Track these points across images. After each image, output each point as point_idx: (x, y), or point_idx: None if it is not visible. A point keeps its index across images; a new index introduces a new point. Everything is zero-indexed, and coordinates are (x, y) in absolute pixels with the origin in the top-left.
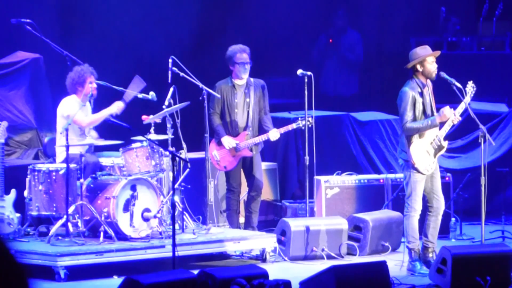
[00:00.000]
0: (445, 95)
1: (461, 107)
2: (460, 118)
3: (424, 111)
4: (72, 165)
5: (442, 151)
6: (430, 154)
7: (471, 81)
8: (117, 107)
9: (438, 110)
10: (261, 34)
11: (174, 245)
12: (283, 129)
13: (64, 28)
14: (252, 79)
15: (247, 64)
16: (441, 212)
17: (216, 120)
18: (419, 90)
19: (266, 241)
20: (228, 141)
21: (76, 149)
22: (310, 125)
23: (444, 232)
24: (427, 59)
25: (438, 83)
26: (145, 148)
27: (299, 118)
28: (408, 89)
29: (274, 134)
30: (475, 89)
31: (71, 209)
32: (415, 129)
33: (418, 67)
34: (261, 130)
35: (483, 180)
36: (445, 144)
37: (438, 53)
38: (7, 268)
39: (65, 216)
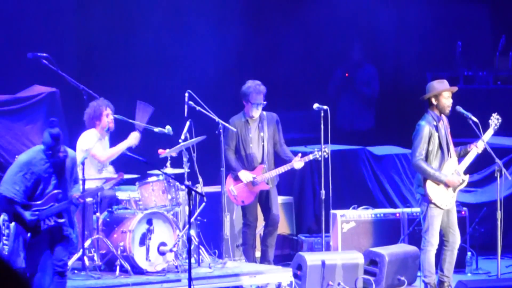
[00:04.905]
0: (462, 129)
1: (483, 138)
2: (483, 147)
3: (440, 145)
4: (89, 199)
5: (463, 185)
6: (448, 189)
7: (496, 113)
8: (134, 138)
9: (455, 144)
10: (278, 67)
11: (190, 279)
12: (304, 159)
13: (81, 62)
14: (265, 113)
15: (260, 105)
16: (457, 246)
17: (231, 156)
18: (435, 124)
19: (282, 275)
20: (245, 175)
21: (93, 183)
22: (326, 156)
23: (460, 266)
24: (443, 93)
25: (455, 117)
26: (161, 182)
27: (316, 149)
28: (425, 123)
29: (298, 163)
30: (500, 121)
31: (87, 243)
32: (424, 171)
33: (433, 100)
34: (282, 161)
35: (499, 215)
36: (466, 178)
37: (455, 88)
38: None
39: (81, 250)
